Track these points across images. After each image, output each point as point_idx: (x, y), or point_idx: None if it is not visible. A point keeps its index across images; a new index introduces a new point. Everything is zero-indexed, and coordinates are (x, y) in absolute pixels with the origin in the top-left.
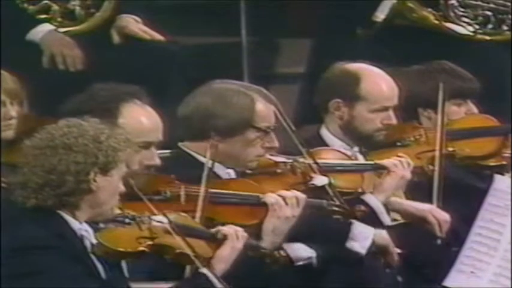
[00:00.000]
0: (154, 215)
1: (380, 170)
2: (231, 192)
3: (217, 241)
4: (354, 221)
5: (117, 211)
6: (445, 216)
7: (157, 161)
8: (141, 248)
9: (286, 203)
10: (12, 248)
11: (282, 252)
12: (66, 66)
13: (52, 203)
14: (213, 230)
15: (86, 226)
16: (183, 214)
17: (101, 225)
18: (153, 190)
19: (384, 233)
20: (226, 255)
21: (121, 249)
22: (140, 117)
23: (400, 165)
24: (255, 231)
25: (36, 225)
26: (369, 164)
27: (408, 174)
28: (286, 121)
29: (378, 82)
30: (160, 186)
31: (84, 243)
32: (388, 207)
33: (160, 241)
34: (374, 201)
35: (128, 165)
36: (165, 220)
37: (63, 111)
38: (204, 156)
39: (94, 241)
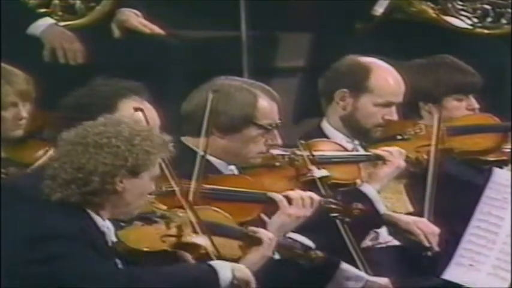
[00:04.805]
0: (185, 212)
1: (376, 161)
2: (227, 188)
3: (248, 241)
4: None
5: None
6: (432, 229)
7: None
8: (164, 247)
9: (303, 204)
10: (32, 237)
11: (318, 253)
12: (67, 60)
13: (76, 200)
14: (245, 230)
15: (108, 223)
16: (215, 209)
17: (123, 223)
18: None
19: None
20: (255, 261)
21: (144, 249)
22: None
23: (395, 153)
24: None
25: (60, 216)
26: (365, 154)
27: (403, 163)
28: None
29: (387, 77)
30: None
31: (106, 240)
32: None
33: (187, 239)
34: (370, 190)
35: None
36: (193, 218)
37: (63, 105)
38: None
39: (114, 239)
